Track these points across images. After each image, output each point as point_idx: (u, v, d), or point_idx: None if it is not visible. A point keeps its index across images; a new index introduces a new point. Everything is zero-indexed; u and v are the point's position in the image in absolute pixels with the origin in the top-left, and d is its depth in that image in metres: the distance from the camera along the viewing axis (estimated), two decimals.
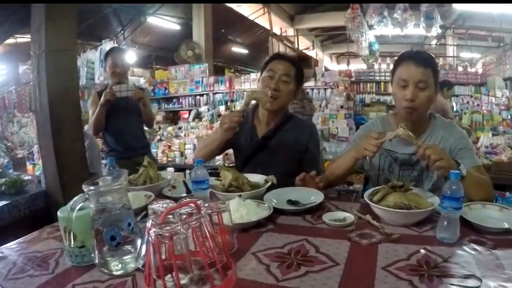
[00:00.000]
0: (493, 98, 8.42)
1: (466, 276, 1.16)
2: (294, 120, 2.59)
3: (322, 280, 1.19)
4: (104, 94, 3.69)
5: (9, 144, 8.83)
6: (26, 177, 3.84)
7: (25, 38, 10.09)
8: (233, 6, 11.77)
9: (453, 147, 2.09)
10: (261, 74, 2.52)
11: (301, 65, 2.59)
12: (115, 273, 1.27)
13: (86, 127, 4.03)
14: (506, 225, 1.51)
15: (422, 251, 1.34)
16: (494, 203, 1.86)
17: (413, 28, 8.71)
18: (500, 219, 1.59)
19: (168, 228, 1.03)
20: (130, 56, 10.71)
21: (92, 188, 1.26)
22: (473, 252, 1.33)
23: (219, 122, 2.42)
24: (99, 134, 4.07)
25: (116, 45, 8.75)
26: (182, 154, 7.06)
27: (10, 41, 10.79)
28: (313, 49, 16.26)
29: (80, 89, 4.99)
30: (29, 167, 7.34)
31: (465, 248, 1.36)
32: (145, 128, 4.36)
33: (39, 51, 3.49)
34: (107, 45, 7.83)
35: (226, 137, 2.24)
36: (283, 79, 2.39)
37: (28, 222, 3.24)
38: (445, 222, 1.42)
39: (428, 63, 2.03)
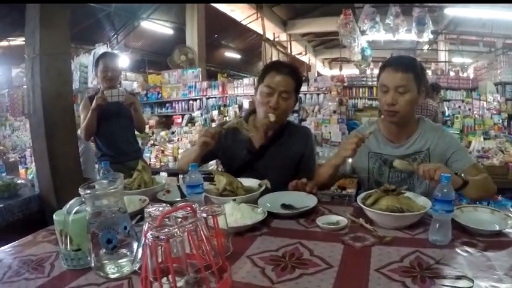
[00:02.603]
0: (485, 103, 8.47)
1: (458, 277, 1.18)
2: (290, 128, 2.54)
3: (316, 282, 1.20)
4: (95, 99, 3.67)
5: (1, 148, 8.76)
6: (20, 181, 3.82)
7: (18, 41, 10.09)
8: (226, 11, 11.79)
9: (445, 151, 2.12)
10: (258, 83, 2.41)
11: (298, 73, 2.46)
12: (111, 276, 1.28)
13: (78, 131, 4.01)
14: (497, 228, 1.53)
15: (415, 253, 1.36)
16: (486, 205, 1.90)
17: (405, 33, 8.79)
18: (491, 221, 1.61)
19: (164, 231, 1.04)
20: (123, 60, 10.69)
21: (88, 191, 1.26)
22: (465, 254, 1.35)
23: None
24: (91, 139, 4.06)
25: (109, 49, 8.76)
26: (175, 159, 6.95)
27: (3, 43, 10.80)
28: (305, 54, 16.33)
29: (73, 93, 4.97)
30: (22, 170, 7.28)
31: (457, 250, 1.39)
32: (137, 133, 4.35)
33: (34, 55, 3.50)
34: (100, 49, 7.85)
35: (201, 151, 2.21)
36: (283, 96, 2.30)
37: (22, 226, 3.24)
38: (437, 225, 1.44)
39: (409, 67, 2.06)
